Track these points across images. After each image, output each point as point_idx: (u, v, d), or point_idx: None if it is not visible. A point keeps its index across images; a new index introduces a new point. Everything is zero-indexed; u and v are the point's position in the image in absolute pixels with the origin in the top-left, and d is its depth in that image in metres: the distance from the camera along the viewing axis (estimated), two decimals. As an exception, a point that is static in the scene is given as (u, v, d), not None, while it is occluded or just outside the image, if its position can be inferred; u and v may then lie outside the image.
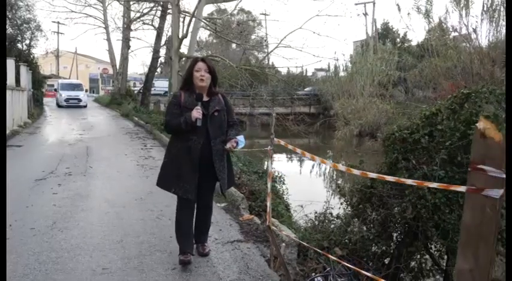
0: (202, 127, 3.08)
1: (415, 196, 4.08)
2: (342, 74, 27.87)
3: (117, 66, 26.26)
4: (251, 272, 3.21)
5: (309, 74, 37.81)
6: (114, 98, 26.13)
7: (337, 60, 27.27)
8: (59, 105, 25.24)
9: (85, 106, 25.43)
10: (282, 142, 3.19)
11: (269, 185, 3.20)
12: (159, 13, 19.38)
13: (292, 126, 12.63)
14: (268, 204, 3.19)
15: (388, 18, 42.99)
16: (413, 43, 27.54)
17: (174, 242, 3.66)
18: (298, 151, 3.08)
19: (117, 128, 14.37)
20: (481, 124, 1.42)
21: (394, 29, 35.41)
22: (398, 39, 32.81)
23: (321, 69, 34.05)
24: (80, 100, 25.38)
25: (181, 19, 12.89)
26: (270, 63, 25.61)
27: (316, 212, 5.18)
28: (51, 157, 8.37)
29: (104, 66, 48.38)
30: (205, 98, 3.17)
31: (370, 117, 20.69)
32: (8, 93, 13.01)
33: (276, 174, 8.63)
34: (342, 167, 2.78)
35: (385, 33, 34.57)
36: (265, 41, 16.62)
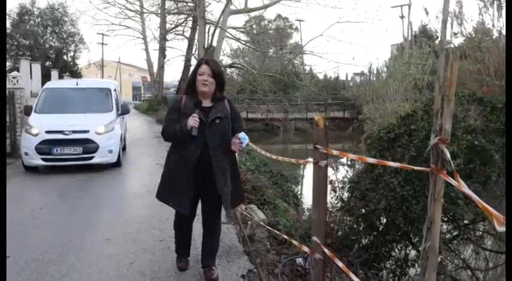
0: (200, 136, 2.85)
1: (386, 189, 4.58)
2: (375, 78, 27.96)
3: (154, 75, 27.78)
4: (222, 244, 3.89)
5: (349, 78, 37.94)
6: (151, 105, 27.32)
7: (371, 64, 27.42)
8: (24, 166, 7.40)
9: (116, 163, 7.80)
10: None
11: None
12: (190, 24, 20.59)
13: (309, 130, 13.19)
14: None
15: (426, 20, 42.28)
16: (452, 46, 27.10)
17: (167, 222, 4.40)
18: (267, 154, 3.73)
19: (149, 133, 15.49)
20: (316, 117, 2.07)
21: (431, 32, 34.83)
22: (437, 42, 32.25)
23: (359, 74, 34.19)
24: (92, 146, 7.35)
25: (207, 30, 13.86)
26: (307, 68, 26.08)
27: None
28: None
29: (145, 75, 50.44)
30: (207, 104, 2.95)
31: (398, 121, 20.68)
32: (53, 101, 14.45)
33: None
34: (290, 160, 3.43)
35: (423, 36, 34.10)
36: (281, 50, 17.28)
